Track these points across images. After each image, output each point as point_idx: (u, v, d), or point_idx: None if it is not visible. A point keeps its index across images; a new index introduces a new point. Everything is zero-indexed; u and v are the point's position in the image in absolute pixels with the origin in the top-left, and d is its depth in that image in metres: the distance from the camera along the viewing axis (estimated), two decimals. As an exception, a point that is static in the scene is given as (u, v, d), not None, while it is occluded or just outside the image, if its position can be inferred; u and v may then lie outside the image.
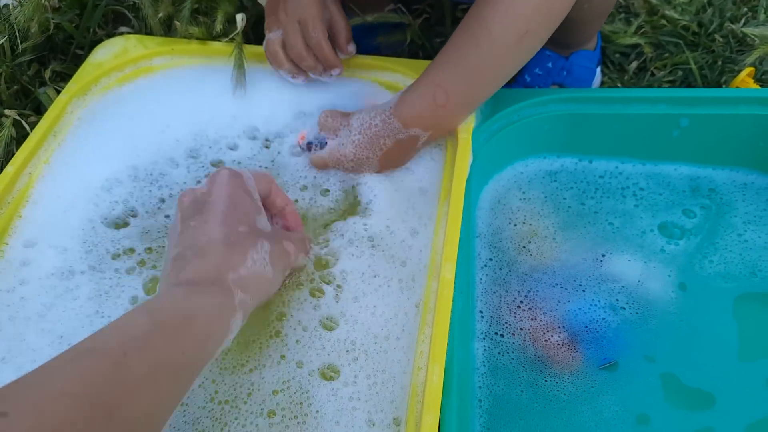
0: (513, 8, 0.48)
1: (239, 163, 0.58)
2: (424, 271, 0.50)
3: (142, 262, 0.51)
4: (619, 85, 0.74)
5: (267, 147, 0.59)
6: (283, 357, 0.46)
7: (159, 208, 0.55)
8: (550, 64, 0.70)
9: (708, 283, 0.56)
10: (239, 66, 0.60)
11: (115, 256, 0.51)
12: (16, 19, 0.59)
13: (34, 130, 0.57)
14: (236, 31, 0.61)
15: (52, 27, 0.65)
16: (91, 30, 0.68)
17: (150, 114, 0.60)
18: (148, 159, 0.57)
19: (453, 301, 0.45)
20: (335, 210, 0.55)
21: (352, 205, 0.55)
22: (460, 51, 0.50)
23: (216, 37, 0.65)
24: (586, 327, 0.53)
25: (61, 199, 0.54)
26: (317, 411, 0.43)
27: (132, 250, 0.52)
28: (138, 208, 0.55)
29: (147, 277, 0.50)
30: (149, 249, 0.52)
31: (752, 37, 0.76)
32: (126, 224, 0.53)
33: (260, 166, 0.58)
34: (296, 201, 0.56)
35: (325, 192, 0.56)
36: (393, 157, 0.54)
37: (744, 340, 0.53)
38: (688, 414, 0.50)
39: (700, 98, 0.60)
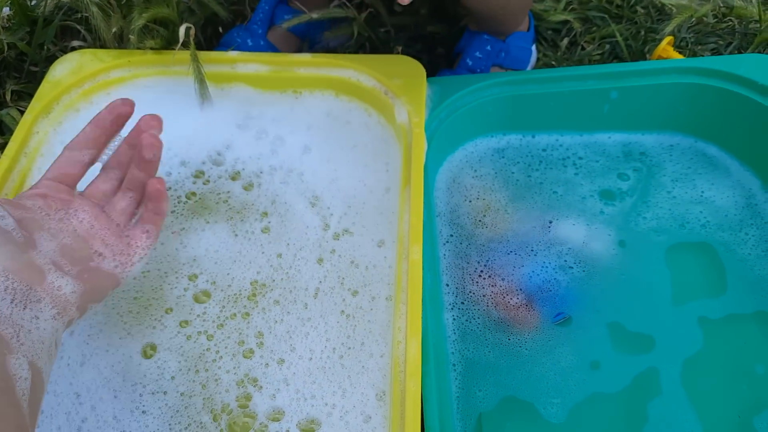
0: None
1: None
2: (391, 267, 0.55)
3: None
4: (553, 61, 0.80)
5: (234, 178, 0.62)
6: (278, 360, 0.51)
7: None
8: (489, 47, 0.75)
9: (643, 238, 0.63)
10: (200, 81, 0.62)
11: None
12: (-29, 44, 0.60)
13: (4, 152, 0.58)
14: (179, 43, 0.63)
15: (5, 48, 0.66)
16: (45, 46, 0.69)
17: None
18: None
19: (422, 279, 0.50)
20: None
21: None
22: None
23: (170, 44, 0.67)
24: (540, 287, 0.60)
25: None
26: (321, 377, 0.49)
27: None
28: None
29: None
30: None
31: (670, 6, 0.83)
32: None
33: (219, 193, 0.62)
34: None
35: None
36: None
37: (676, 286, 0.60)
38: (633, 357, 0.57)
39: (625, 72, 0.66)
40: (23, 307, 0.41)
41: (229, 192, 0.62)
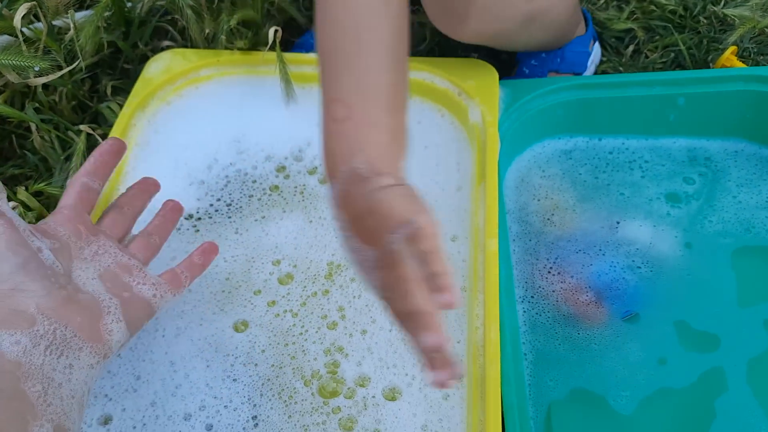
0: None
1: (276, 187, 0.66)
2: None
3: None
4: (620, 68, 0.82)
5: (311, 173, 0.66)
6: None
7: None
8: (543, 54, 0.77)
9: (709, 241, 0.65)
10: (286, 81, 0.66)
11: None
12: (79, 41, 0.65)
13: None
14: (269, 44, 0.67)
15: (105, 46, 0.70)
16: (138, 46, 0.74)
17: (206, 127, 0.68)
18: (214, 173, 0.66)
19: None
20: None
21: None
22: (330, 47, 0.46)
23: (255, 46, 0.71)
24: (609, 285, 0.62)
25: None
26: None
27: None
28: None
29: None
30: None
31: (732, 17, 0.84)
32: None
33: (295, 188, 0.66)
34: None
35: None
36: (366, 220, 0.40)
37: (742, 288, 0.62)
38: (698, 355, 0.58)
39: (693, 79, 0.68)
40: (58, 355, 0.37)
41: (304, 185, 0.65)
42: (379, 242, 0.37)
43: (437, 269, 0.35)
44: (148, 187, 0.54)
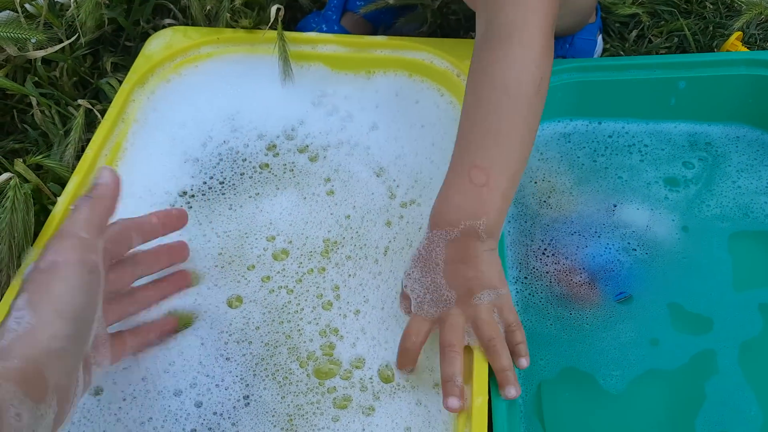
0: (523, 57, 0.50)
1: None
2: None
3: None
4: (621, 52, 0.81)
5: (302, 151, 0.66)
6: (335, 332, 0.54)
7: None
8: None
9: (707, 225, 0.64)
10: (285, 59, 0.66)
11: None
12: (78, 16, 0.65)
13: (105, 117, 0.63)
14: (270, 22, 0.67)
15: (106, 22, 0.71)
16: (139, 23, 0.74)
17: (203, 105, 0.68)
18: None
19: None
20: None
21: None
22: (482, 123, 0.50)
23: (257, 25, 0.71)
24: (603, 267, 0.61)
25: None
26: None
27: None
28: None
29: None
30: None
31: (739, 3, 0.84)
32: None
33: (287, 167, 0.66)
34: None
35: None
36: (460, 268, 0.49)
37: (737, 272, 0.61)
38: (691, 337, 0.58)
39: (695, 62, 0.67)
40: None
41: (294, 162, 0.65)
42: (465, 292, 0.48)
43: (518, 339, 0.47)
44: (176, 252, 0.55)
